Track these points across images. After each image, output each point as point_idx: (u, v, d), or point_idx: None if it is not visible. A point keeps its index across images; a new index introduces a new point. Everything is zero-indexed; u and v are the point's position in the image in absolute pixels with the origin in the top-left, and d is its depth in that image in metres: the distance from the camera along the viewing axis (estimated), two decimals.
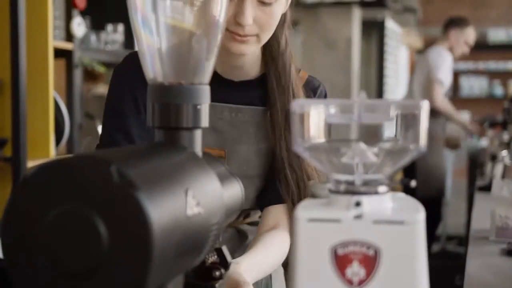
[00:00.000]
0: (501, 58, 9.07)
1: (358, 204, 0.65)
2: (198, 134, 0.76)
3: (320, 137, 0.70)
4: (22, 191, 0.59)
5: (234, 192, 0.83)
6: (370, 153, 0.68)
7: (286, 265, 1.45)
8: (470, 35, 4.82)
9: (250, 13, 1.25)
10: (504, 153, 3.06)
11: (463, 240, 5.02)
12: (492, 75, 9.20)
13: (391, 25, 7.41)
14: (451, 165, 5.91)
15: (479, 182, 3.49)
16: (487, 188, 2.61)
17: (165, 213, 0.59)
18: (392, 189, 0.70)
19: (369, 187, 0.67)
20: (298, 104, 0.70)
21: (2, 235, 0.60)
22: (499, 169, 2.75)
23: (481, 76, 9.24)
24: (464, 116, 6.92)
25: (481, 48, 7.58)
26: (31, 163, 2.84)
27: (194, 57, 0.77)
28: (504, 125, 4.05)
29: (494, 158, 3.38)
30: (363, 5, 5.99)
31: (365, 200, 0.66)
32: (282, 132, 1.38)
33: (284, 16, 1.39)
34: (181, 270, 0.70)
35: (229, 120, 1.39)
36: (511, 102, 3.91)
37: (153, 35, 0.75)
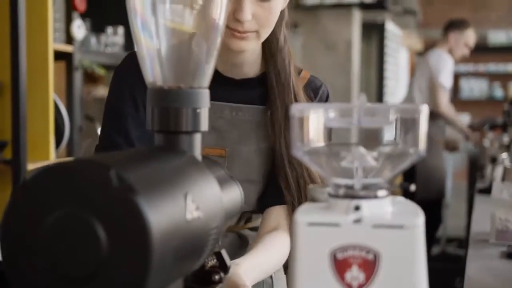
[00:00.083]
0: (501, 60, 9.06)
1: (357, 208, 0.65)
2: (197, 138, 0.76)
3: (320, 141, 0.69)
4: (21, 194, 0.59)
5: (233, 195, 0.83)
6: (370, 157, 0.68)
7: (287, 267, 1.45)
8: (470, 37, 4.82)
9: (248, 9, 1.25)
10: (504, 155, 3.06)
11: (463, 242, 5.02)
12: (492, 77, 9.20)
13: (391, 27, 7.41)
14: (451, 167, 5.91)
15: (479, 185, 3.49)
16: (487, 190, 2.61)
17: (164, 218, 0.59)
18: (392, 193, 0.70)
19: (369, 191, 0.67)
20: (298, 108, 0.70)
21: (1, 238, 0.60)
22: (499, 171, 2.75)
23: (481, 78, 9.23)
24: (464, 118, 6.93)
25: (481, 50, 7.58)
26: (31, 166, 2.84)
27: (194, 61, 0.77)
28: (504, 128, 4.05)
29: (494, 160, 3.38)
30: (363, 7, 5.98)
31: (365, 204, 0.66)
32: (281, 129, 1.38)
33: (282, 13, 1.38)
34: (180, 274, 0.70)
35: (230, 119, 1.39)
36: (511, 104, 3.91)
37: (153, 39, 0.76)
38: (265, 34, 1.33)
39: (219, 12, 0.78)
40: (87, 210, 0.57)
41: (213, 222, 0.71)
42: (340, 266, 0.65)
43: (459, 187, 6.12)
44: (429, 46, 7.73)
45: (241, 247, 1.46)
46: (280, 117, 1.39)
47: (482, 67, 9.14)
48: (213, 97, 1.28)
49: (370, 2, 5.98)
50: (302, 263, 0.66)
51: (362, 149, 0.68)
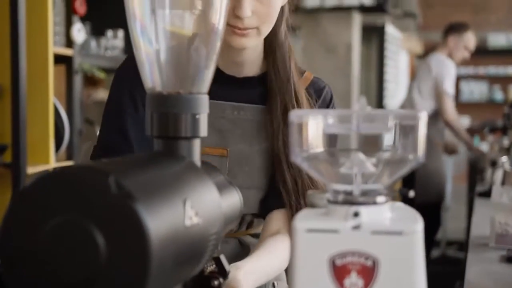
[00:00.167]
0: (501, 63, 9.07)
1: (356, 214, 0.65)
2: (196, 143, 0.77)
3: (319, 147, 0.69)
4: (20, 200, 0.59)
5: (232, 201, 0.83)
6: (369, 164, 0.68)
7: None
8: (469, 40, 4.82)
9: (248, 5, 1.25)
10: (504, 158, 3.06)
11: (463, 245, 5.02)
12: (492, 80, 9.20)
13: (391, 30, 7.41)
14: (451, 170, 5.91)
15: (479, 188, 3.49)
16: (487, 194, 2.61)
17: (163, 224, 0.59)
18: (391, 199, 0.70)
19: (368, 198, 0.67)
20: (296, 114, 0.70)
21: (0, 244, 0.60)
22: (499, 175, 2.75)
23: (481, 81, 9.23)
24: (464, 121, 6.93)
25: (481, 53, 7.58)
26: (31, 169, 2.84)
27: (193, 66, 0.77)
28: (504, 131, 4.05)
29: (494, 163, 3.38)
30: (363, 10, 5.99)
31: (363, 210, 0.66)
32: (280, 128, 1.37)
33: (283, 9, 1.38)
34: (179, 280, 0.70)
35: (231, 118, 1.38)
36: (511, 107, 3.91)
37: (152, 44, 0.76)
38: (265, 31, 1.32)
39: (219, 17, 0.78)
40: (86, 216, 0.57)
41: (212, 228, 0.71)
42: (339, 272, 0.65)
43: (459, 190, 6.12)
44: (429, 49, 7.73)
45: (242, 254, 1.42)
46: (278, 115, 1.38)
47: (482, 70, 9.14)
48: (214, 96, 1.29)
49: (370, 5, 5.98)
50: (301, 270, 0.66)
51: (361, 155, 0.68)
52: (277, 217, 1.40)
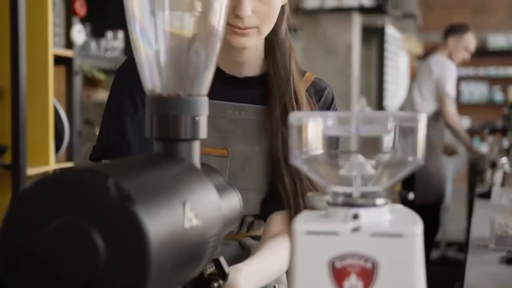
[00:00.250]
0: (501, 64, 9.07)
1: (355, 216, 0.65)
2: (196, 145, 0.76)
3: (318, 149, 0.69)
4: (20, 203, 0.59)
5: (232, 203, 0.83)
6: (368, 166, 0.68)
7: None
8: (469, 41, 4.82)
9: (248, 4, 1.24)
10: (504, 160, 3.06)
11: (463, 246, 5.02)
12: (492, 81, 9.20)
13: (391, 31, 7.41)
14: (451, 171, 5.91)
15: (479, 189, 3.49)
16: (486, 195, 2.61)
17: (163, 227, 0.59)
18: (392, 200, 0.70)
19: (367, 200, 0.67)
20: (296, 116, 0.70)
21: (0, 247, 0.60)
22: (498, 176, 2.75)
23: (481, 82, 9.24)
24: (464, 122, 6.93)
25: (481, 54, 7.58)
26: (30, 170, 2.84)
27: (193, 68, 0.77)
28: (504, 132, 4.05)
29: (494, 165, 3.38)
30: (363, 11, 5.99)
31: (363, 212, 0.66)
32: (278, 128, 1.36)
33: (283, 8, 1.38)
34: (179, 282, 0.70)
35: (232, 118, 1.37)
36: (511, 108, 3.91)
37: (152, 46, 0.76)
38: (266, 30, 1.32)
39: (218, 18, 0.78)
40: (86, 219, 0.57)
41: (211, 230, 0.71)
42: (338, 274, 0.65)
43: (459, 191, 6.12)
44: (429, 50, 7.73)
45: (243, 257, 1.42)
46: (277, 115, 1.37)
47: (482, 71, 9.15)
48: (215, 96, 1.29)
49: (370, 6, 5.99)
50: (300, 272, 0.66)
51: (360, 157, 0.68)
52: (278, 219, 1.39)
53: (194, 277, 0.75)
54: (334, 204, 0.68)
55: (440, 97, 4.60)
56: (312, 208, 0.72)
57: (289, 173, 1.35)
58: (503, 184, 2.46)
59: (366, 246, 0.64)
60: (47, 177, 0.59)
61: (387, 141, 0.69)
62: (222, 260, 0.83)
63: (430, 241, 4.77)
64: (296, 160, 0.70)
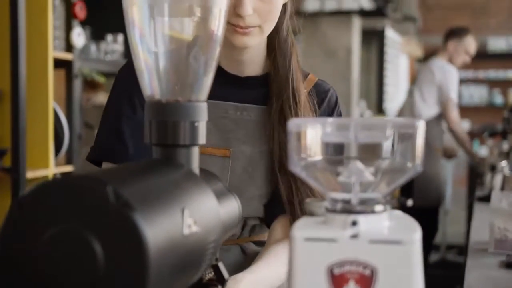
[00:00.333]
0: (501, 66, 9.08)
1: (354, 223, 0.65)
2: (195, 151, 0.76)
3: (317, 156, 0.69)
4: (18, 210, 0.59)
5: (231, 209, 0.83)
6: (367, 173, 0.68)
7: None
8: (470, 44, 4.82)
9: (249, 3, 1.23)
10: (504, 163, 3.06)
11: (463, 249, 5.02)
12: (492, 83, 9.21)
13: (391, 34, 7.42)
14: (451, 174, 5.91)
15: (479, 193, 3.49)
16: (486, 198, 2.61)
17: (161, 233, 0.59)
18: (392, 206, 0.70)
19: (366, 206, 0.67)
20: (295, 123, 0.70)
21: None
22: (498, 179, 2.75)
23: (481, 85, 9.25)
24: (464, 125, 6.93)
25: (481, 56, 7.58)
26: (30, 174, 2.84)
27: (192, 74, 0.77)
28: (503, 135, 4.05)
29: (493, 168, 3.38)
30: (363, 14, 6.00)
31: (362, 219, 0.66)
32: (275, 126, 1.35)
33: (285, 6, 1.37)
34: None
35: (234, 118, 1.36)
36: (511, 111, 3.91)
37: (151, 52, 0.76)
38: (268, 29, 1.30)
39: (218, 23, 0.78)
40: (84, 226, 0.57)
41: (210, 236, 0.71)
42: (337, 281, 0.65)
43: (459, 194, 6.12)
44: (429, 52, 7.73)
45: (244, 263, 1.39)
46: (274, 114, 1.36)
47: (482, 74, 9.15)
48: (217, 96, 1.28)
49: (370, 9, 6.00)
50: (299, 279, 0.66)
51: (359, 164, 0.68)
52: (281, 225, 1.38)
53: (193, 283, 0.75)
54: (333, 211, 0.68)
55: (443, 102, 4.60)
56: (311, 214, 0.73)
57: (285, 177, 1.33)
58: (502, 187, 2.46)
59: (365, 253, 0.64)
60: (46, 184, 0.59)
61: (386, 147, 0.70)
62: (221, 265, 0.83)
63: (428, 245, 4.77)
64: (295, 167, 0.70)
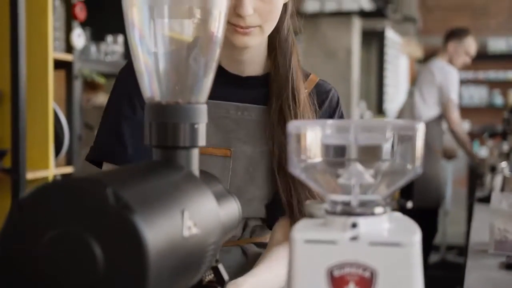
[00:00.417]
0: (501, 67, 9.08)
1: (354, 225, 0.65)
2: (195, 153, 0.76)
3: (316, 158, 0.69)
4: (18, 213, 0.59)
5: (230, 210, 0.83)
6: (367, 175, 0.68)
7: None
8: (470, 45, 4.82)
9: (249, 3, 1.23)
10: (504, 164, 3.06)
11: (463, 250, 5.02)
12: (492, 84, 9.21)
13: (391, 34, 7.43)
14: (451, 175, 5.91)
15: (479, 193, 3.49)
16: (486, 199, 2.61)
17: (161, 236, 0.59)
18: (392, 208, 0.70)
19: (366, 208, 0.67)
20: (294, 125, 0.70)
21: None
22: (498, 180, 2.75)
23: (481, 86, 9.25)
24: (464, 125, 6.93)
25: (481, 57, 7.58)
26: (30, 175, 2.84)
27: (192, 76, 0.77)
28: (503, 136, 4.05)
29: (493, 169, 3.38)
30: (363, 15, 6.00)
31: (362, 221, 0.66)
32: (274, 125, 1.34)
33: (286, 5, 1.36)
34: None
35: (235, 118, 1.35)
36: (511, 112, 3.91)
37: (151, 54, 0.76)
38: (268, 29, 1.30)
39: (217, 25, 0.78)
40: (84, 228, 0.57)
41: (210, 238, 0.71)
42: (337, 283, 0.65)
43: (459, 194, 6.12)
44: (429, 53, 7.73)
45: (245, 265, 1.39)
46: (273, 113, 1.35)
47: (482, 75, 9.15)
48: (218, 96, 1.28)
49: (370, 10, 6.00)
50: (299, 281, 0.66)
51: (359, 166, 0.68)
52: (282, 226, 1.37)
53: (193, 285, 0.75)
54: (332, 213, 0.68)
55: (444, 103, 4.60)
56: (311, 216, 0.73)
57: (284, 178, 1.33)
58: (502, 188, 2.45)
59: (365, 255, 0.64)
60: (46, 186, 0.59)
61: (386, 149, 0.70)
62: (221, 267, 0.83)
63: (428, 246, 4.77)
64: (295, 169, 0.70)
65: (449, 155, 5.17)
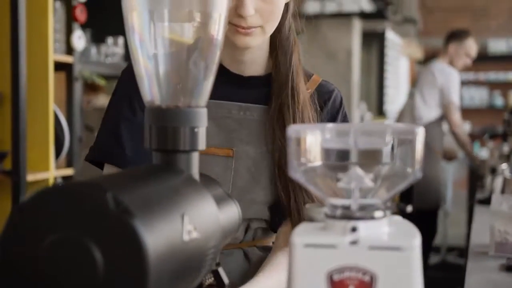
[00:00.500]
0: (502, 68, 9.08)
1: (354, 229, 0.65)
2: (195, 156, 0.76)
3: (316, 161, 0.70)
4: (18, 216, 0.59)
5: (230, 214, 0.83)
6: (367, 179, 0.68)
7: None
8: (470, 47, 4.82)
9: (250, 3, 1.22)
10: (504, 166, 3.05)
11: (463, 251, 5.02)
12: (493, 85, 9.21)
13: (391, 36, 7.42)
14: (451, 176, 5.91)
15: (479, 195, 3.49)
16: (487, 201, 2.61)
17: (161, 240, 0.59)
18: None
19: (365, 212, 0.67)
20: (294, 129, 0.70)
21: None
22: (498, 182, 2.75)
23: (482, 87, 9.25)
24: (465, 126, 6.93)
25: (482, 58, 7.58)
26: (30, 177, 2.84)
27: (192, 79, 0.77)
28: (504, 137, 4.05)
29: (494, 171, 3.38)
30: (363, 16, 6.00)
31: (361, 225, 0.66)
32: (276, 124, 1.33)
33: (288, 5, 1.36)
34: None
35: (237, 118, 1.35)
36: (511, 113, 3.91)
37: (151, 58, 0.76)
38: (270, 29, 1.29)
39: (217, 28, 0.78)
40: (84, 233, 0.57)
41: (210, 242, 0.71)
42: (337, 287, 0.65)
43: (460, 196, 6.12)
44: (429, 54, 7.74)
45: (247, 269, 1.38)
46: (273, 113, 1.35)
47: (482, 76, 9.16)
48: (220, 96, 1.28)
49: (370, 11, 5.99)
50: (299, 285, 0.66)
51: (359, 170, 0.68)
52: (284, 231, 1.36)
53: None
54: (332, 217, 0.68)
55: (445, 105, 4.61)
56: (311, 220, 0.73)
57: (283, 179, 1.32)
58: (503, 190, 2.45)
59: (365, 259, 0.65)
60: (46, 190, 0.59)
61: (386, 153, 0.70)
62: (221, 271, 0.83)
63: (427, 247, 4.77)
64: (295, 172, 0.70)
65: (449, 157, 5.18)
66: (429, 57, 5.86)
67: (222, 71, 1.29)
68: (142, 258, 0.56)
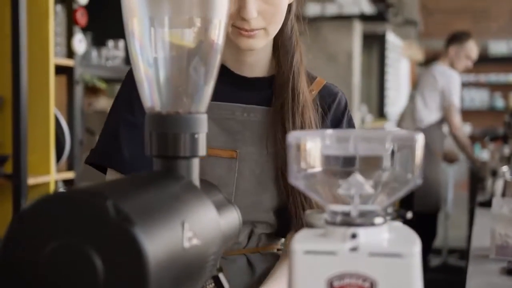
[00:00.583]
0: (502, 70, 9.09)
1: (354, 236, 0.66)
2: (195, 163, 0.77)
3: (316, 168, 0.70)
4: (19, 225, 0.59)
5: (231, 220, 0.83)
6: (367, 185, 0.68)
7: None
8: (471, 49, 4.82)
9: (253, 6, 1.22)
10: (505, 168, 3.05)
11: (464, 254, 5.01)
12: (493, 87, 9.22)
13: (392, 38, 7.42)
14: (452, 178, 5.91)
15: (480, 198, 3.49)
16: (487, 203, 2.61)
17: (162, 247, 0.59)
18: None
19: (365, 219, 0.67)
20: (294, 135, 0.70)
21: None
22: (499, 185, 2.75)
23: (482, 89, 9.25)
24: (465, 128, 6.93)
25: (482, 60, 7.58)
26: (31, 180, 2.84)
27: (192, 85, 0.77)
28: (505, 139, 4.05)
29: (494, 173, 3.37)
30: (364, 18, 6.00)
31: (361, 232, 0.66)
32: (277, 125, 1.33)
33: (290, 6, 1.36)
34: None
35: (241, 120, 1.34)
36: None
37: (151, 64, 0.76)
38: (273, 31, 1.30)
39: (218, 34, 0.78)
40: (85, 240, 0.57)
41: (211, 248, 0.71)
42: None
43: (461, 198, 6.11)
44: (430, 56, 7.74)
45: (251, 277, 1.37)
46: (274, 113, 1.34)
47: (483, 77, 9.16)
48: (223, 97, 1.27)
49: (371, 14, 5.99)
50: None
51: (359, 177, 0.68)
52: (289, 238, 1.35)
53: None
54: (332, 223, 0.68)
55: (446, 107, 4.61)
56: (311, 226, 0.73)
57: (285, 183, 1.31)
58: (504, 193, 2.45)
59: (365, 266, 0.65)
60: (47, 198, 0.59)
61: (386, 159, 0.70)
62: (222, 276, 0.83)
63: (427, 249, 4.77)
64: (295, 179, 0.70)
65: (450, 159, 5.18)
66: (430, 59, 5.86)
67: (226, 72, 1.28)
68: (143, 266, 0.56)
